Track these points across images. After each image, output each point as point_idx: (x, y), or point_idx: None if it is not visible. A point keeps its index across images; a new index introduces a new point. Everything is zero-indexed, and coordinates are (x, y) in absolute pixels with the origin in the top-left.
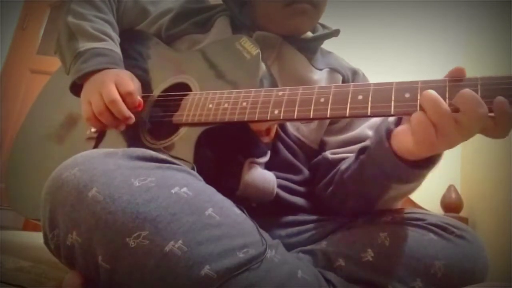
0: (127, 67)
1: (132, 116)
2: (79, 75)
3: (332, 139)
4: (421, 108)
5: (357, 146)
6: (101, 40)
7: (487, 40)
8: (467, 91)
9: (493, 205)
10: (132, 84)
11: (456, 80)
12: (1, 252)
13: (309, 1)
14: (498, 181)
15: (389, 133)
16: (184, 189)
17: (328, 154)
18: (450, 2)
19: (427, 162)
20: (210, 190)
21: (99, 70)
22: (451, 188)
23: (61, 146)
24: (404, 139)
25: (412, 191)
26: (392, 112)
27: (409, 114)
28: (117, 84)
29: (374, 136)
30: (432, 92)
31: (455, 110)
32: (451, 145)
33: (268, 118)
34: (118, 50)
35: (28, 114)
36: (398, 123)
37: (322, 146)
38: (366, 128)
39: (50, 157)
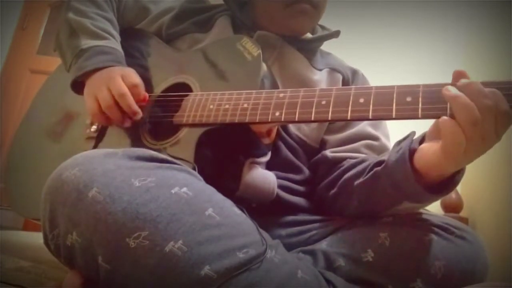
0: (127, 65)
1: (140, 111)
2: (81, 72)
3: (332, 138)
4: (452, 113)
5: (357, 144)
6: (103, 38)
7: (487, 40)
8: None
9: (493, 205)
10: (137, 77)
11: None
12: (1, 252)
13: (309, 1)
14: (498, 181)
15: (412, 152)
16: (184, 189)
17: (328, 152)
18: (450, 2)
19: (444, 187)
20: (210, 190)
21: (102, 68)
22: None
23: (60, 145)
24: (430, 151)
25: (421, 208)
26: (394, 116)
27: (410, 118)
28: (123, 77)
29: (394, 152)
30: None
31: None
32: (470, 155)
33: (269, 120)
34: (120, 48)
35: (27, 113)
36: (422, 142)
37: (323, 144)
38: (367, 125)
39: (49, 157)
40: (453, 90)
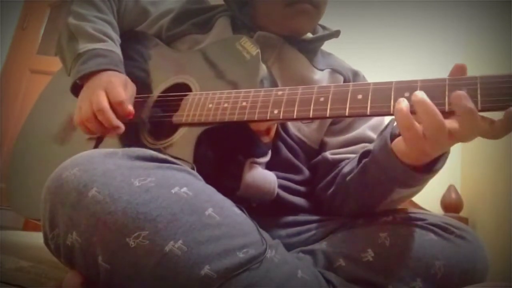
0: (127, 68)
1: (121, 125)
2: (78, 76)
3: (332, 140)
4: (413, 110)
5: (357, 147)
6: (101, 40)
7: (487, 40)
8: (456, 92)
9: (493, 205)
10: (123, 92)
11: (455, 79)
12: (1, 252)
13: (310, 1)
14: (498, 181)
15: (393, 137)
16: (184, 189)
17: (328, 154)
18: (450, 2)
19: (431, 167)
20: (210, 190)
21: (98, 71)
22: (451, 188)
23: (62, 146)
24: (403, 150)
25: (414, 194)
26: (392, 112)
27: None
28: (107, 92)
29: (378, 140)
30: (419, 93)
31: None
32: (441, 147)
33: (268, 118)
34: (118, 50)
35: (29, 115)
36: None
37: (323, 146)
38: (367, 129)
39: (50, 158)
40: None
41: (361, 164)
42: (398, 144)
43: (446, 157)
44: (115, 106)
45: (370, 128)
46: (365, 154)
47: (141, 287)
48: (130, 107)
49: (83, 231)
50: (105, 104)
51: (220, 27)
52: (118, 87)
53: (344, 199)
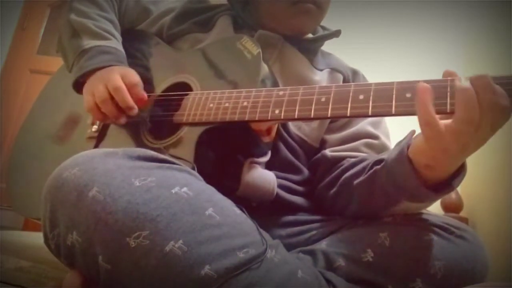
0: (128, 66)
1: (136, 106)
2: (84, 71)
3: (332, 137)
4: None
5: (357, 143)
6: (105, 38)
7: (487, 40)
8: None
9: (493, 205)
10: (137, 77)
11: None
12: (1, 252)
13: (313, 1)
14: (498, 181)
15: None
16: (185, 189)
17: (328, 152)
18: (450, 2)
19: (445, 185)
20: (211, 190)
21: (103, 68)
22: None
23: (62, 146)
24: (419, 146)
25: (421, 208)
26: (393, 112)
27: (410, 114)
28: (122, 76)
29: (394, 150)
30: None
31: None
32: (464, 147)
33: (269, 118)
34: (121, 48)
35: (29, 114)
36: None
37: (323, 144)
38: (366, 124)
39: (51, 157)
40: (464, 82)
41: (371, 171)
42: (418, 143)
43: (462, 178)
44: (130, 88)
45: (369, 123)
46: (377, 161)
47: (141, 287)
48: (144, 92)
49: (83, 231)
50: (122, 83)
51: (222, 26)
52: (132, 72)
53: (346, 201)
